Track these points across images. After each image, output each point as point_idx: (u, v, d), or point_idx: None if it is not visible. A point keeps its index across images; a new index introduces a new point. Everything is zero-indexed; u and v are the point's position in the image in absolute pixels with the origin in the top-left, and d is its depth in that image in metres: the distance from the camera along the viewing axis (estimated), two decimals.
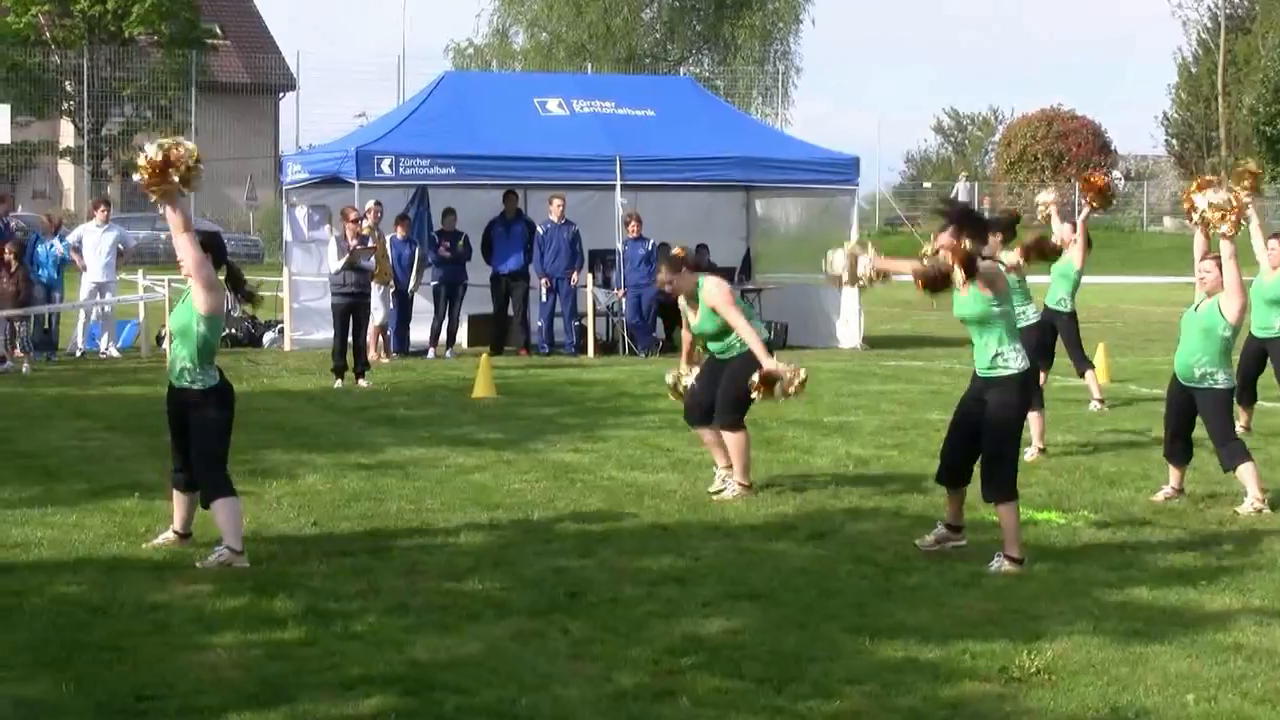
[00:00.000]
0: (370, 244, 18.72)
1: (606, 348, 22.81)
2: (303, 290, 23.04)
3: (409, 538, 9.50)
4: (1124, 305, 31.38)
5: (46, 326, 21.27)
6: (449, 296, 22.14)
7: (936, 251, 8.69)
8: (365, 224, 19.00)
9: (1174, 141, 67.55)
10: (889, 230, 57.02)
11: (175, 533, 9.14)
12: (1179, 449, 10.86)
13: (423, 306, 22.30)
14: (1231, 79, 63.90)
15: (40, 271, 20.84)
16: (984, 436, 8.87)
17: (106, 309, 22.13)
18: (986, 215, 10.45)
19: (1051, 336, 14.67)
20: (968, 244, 8.66)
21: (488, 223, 22.63)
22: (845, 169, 24.07)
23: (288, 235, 23.87)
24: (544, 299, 22.75)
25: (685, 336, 11.67)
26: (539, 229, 22.60)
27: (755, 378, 10.61)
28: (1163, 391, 11.26)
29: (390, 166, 21.85)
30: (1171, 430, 10.89)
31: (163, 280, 22.85)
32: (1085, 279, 15.59)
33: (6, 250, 19.86)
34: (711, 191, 24.96)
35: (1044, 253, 10.77)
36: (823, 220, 25.39)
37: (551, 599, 7.99)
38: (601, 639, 7.25)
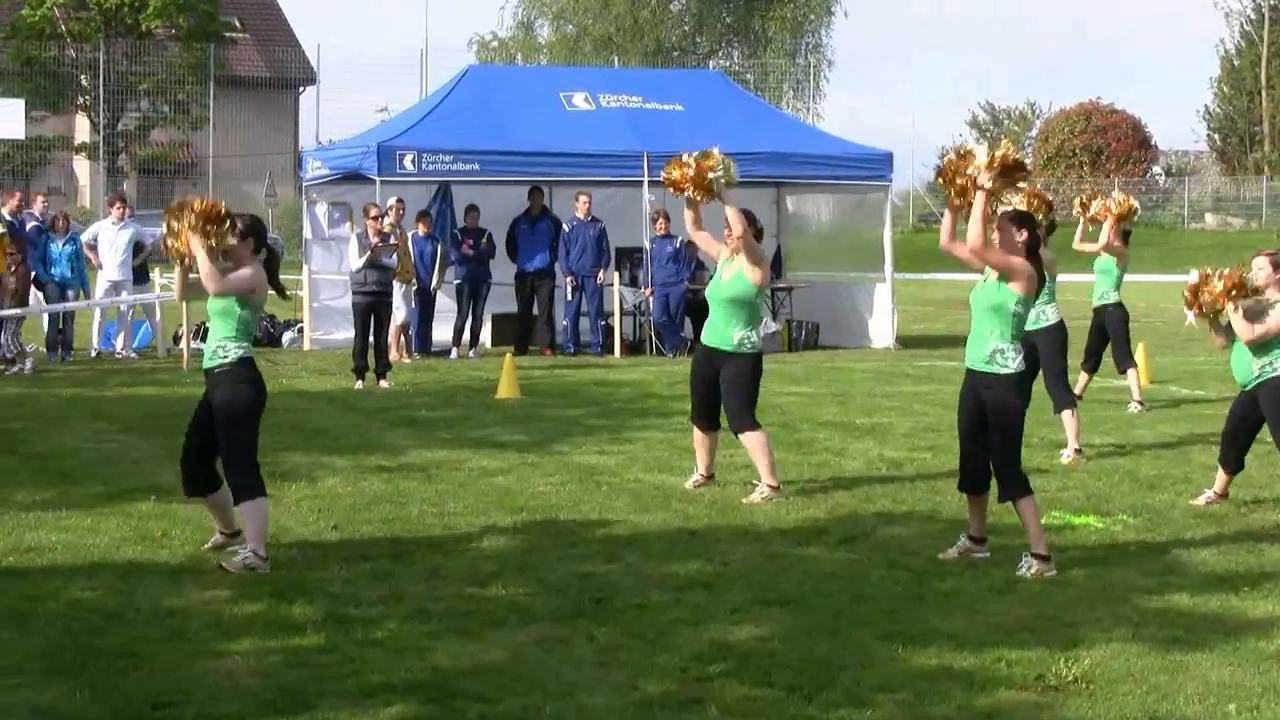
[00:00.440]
0: (392, 241, 18.57)
1: (633, 347, 22.66)
2: (323, 289, 22.93)
3: (431, 542, 9.38)
4: (1164, 304, 31.07)
5: (60, 326, 21.11)
6: (472, 295, 22.02)
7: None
8: (387, 221, 18.84)
9: (1215, 136, 66.78)
10: (922, 228, 56.70)
11: (222, 534, 9.05)
12: (1233, 459, 10.62)
13: (445, 305, 22.14)
14: (1276, 71, 63.13)
15: (53, 270, 20.66)
16: (990, 441, 8.80)
17: (123, 308, 21.97)
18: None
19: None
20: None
21: (512, 220, 22.53)
22: (878, 165, 23.85)
23: (307, 233, 23.74)
24: (569, 298, 22.60)
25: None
26: (564, 226, 22.47)
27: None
28: (1204, 392, 11.06)
29: (412, 162, 21.70)
30: (1228, 437, 10.63)
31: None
32: (1125, 277, 15.48)
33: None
34: (741, 188, 24.66)
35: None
36: (855, 217, 25.20)
37: (576, 605, 7.88)
38: (628, 646, 7.14)
